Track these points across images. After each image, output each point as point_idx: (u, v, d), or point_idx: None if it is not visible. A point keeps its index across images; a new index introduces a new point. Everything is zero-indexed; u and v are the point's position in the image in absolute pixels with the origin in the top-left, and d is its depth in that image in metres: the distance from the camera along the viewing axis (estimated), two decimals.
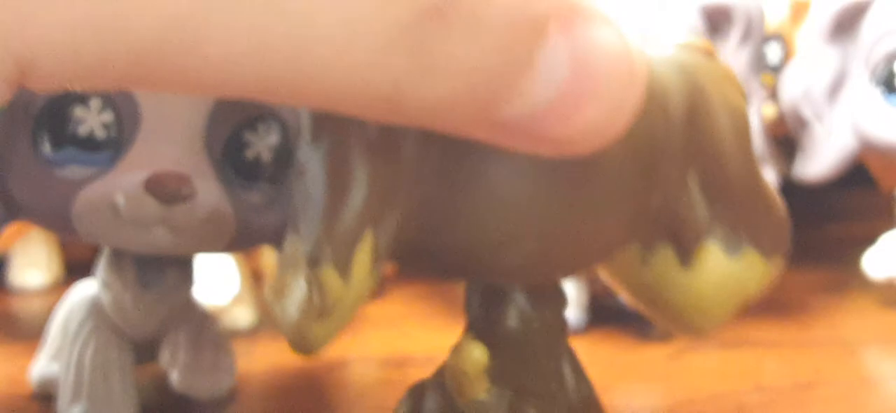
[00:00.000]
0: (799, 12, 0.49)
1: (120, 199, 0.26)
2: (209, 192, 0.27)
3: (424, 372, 0.36)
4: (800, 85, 0.44)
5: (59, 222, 0.27)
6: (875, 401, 0.34)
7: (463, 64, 0.17)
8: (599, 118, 0.18)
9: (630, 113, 0.19)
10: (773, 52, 0.47)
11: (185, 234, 0.27)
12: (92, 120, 0.27)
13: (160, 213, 0.26)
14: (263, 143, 0.29)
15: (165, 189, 0.26)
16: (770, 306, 0.43)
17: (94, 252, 0.32)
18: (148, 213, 0.26)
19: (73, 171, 0.27)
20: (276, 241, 0.31)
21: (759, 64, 0.42)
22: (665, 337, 0.40)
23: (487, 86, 0.18)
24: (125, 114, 0.27)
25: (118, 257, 0.30)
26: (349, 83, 0.17)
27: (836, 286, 0.46)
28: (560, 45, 0.18)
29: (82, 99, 0.27)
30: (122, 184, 0.26)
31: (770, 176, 0.40)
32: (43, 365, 0.33)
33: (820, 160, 0.44)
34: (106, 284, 0.30)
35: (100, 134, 0.27)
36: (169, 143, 0.27)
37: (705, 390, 0.34)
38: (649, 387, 0.34)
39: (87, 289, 0.32)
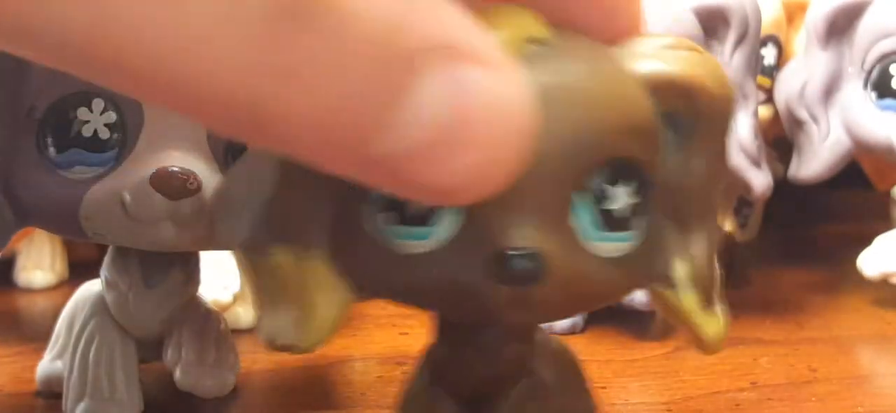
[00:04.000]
0: (794, 14, 0.49)
1: (127, 197, 0.27)
2: (214, 187, 0.27)
3: None
4: (795, 86, 0.44)
5: (67, 224, 0.28)
6: (869, 398, 0.34)
7: (324, 77, 0.16)
8: (477, 169, 0.17)
9: (514, 167, 0.18)
10: (768, 54, 0.47)
11: (191, 230, 0.27)
12: (95, 120, 0.27)
13: (167, 208, 0.27)
14: None
15: (172, 184, 0.27)
16: (766, 305, 0.44)
17: (99, 252, 0.32)
18: (155, 208, 0.27)
19: (79, 173, 0.27)
20: None
21: (756, 65, 0.42)
22: (662, 335, 0.40)
23: (353, 110, 0.17)
24: (128, 113, 0.27)
25: (123, 256, 0.30)
26: (210, 78, 0.16)
27: (831, 285, 0.46)
28: (438, 83, 0.17)
29: (86, 100, 0.27)
30: (129, 181, 0.27)
31: (764, 178, 0.40)
32: (48, 363, 0.33)
33: (815, 161, 0.44)
34: (110, 283, 0.31)
35: (104, 134, 0.27)
36: (173, 139, 0.28)
37: (701, 388, 0.34)
38: (646, 384, 0.34)
39: (92, 288, 0.32)
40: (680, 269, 0.24)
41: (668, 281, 0.24)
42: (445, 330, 0.26)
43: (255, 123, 0.16)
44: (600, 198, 0.23)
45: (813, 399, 0.33)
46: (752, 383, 0.34)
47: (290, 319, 0.23)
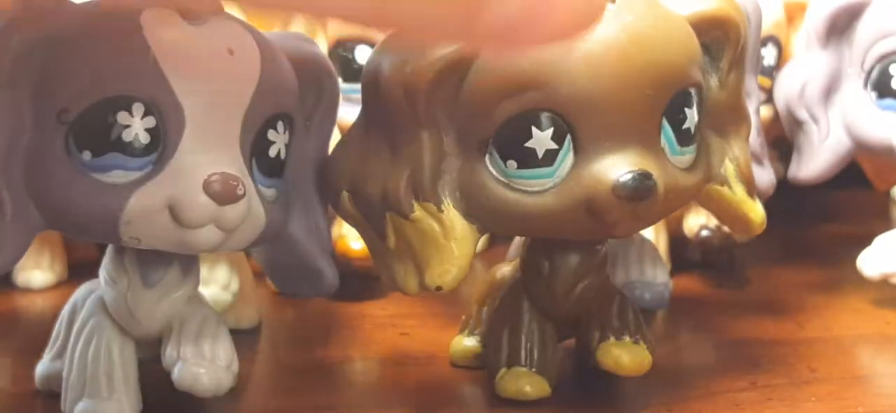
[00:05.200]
0: (794, 14, 0.49)
1: (178, 201, 0.27)
2: (249, 190, 0.28)
3: (424, 371, 0.36)
4: (795, 86, 0.44)
5: (103, 229, 0.28)
6: (869, 398, 0.34)
7: None
8: (567, 18, 0.22)
9: (598, 11, 0.23)
10: (768, 54, 0.48)
11: (231, 233, 0.28)
12: (135, 125, 0.27)
13: (213, 213, 0.27)
14: (282, 141, 0.30)
15: (224, 190, 0.27)
16: (766, 305, 0.44)
17: (98, 252, 0.32)
18: (204, 213, 0.27)
19: (117, 177, 0.27)
20: (278, 236, 0.31)
21: (756, 65, 0.42)
22: (663, 335, 0.40)
23: (462, 3, 0.21)
24: (170, 118, 0.27)
25: (121, 255, 0.30)
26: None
27: (831, 285, 0.46)
28: None
29: (126, 104, 0.27)
30: (177, 186, 0.27)
31: (767, 176, 0.40)
32: (47, 363, 0.33)
33: (815, 161, 0.44)
34: (109, 282, 0.31)
35: (144, 138, 0.27)
36: (214, 144, 0.28)
37: (701, 388, 0.34)
38: (648, 384, 0.34)
39: (91, 287, 0.32)
40: (730, 168, 0.31)
41: (721, 178, 0.31)
42: (538, 251, 0.32)
43: (381, 10, 0.21)
44: (678, 119, 0.29)
45: (813, 399, 0.33)
46: (752, 383, 0.34)
47: (433, 266, 0.29)
